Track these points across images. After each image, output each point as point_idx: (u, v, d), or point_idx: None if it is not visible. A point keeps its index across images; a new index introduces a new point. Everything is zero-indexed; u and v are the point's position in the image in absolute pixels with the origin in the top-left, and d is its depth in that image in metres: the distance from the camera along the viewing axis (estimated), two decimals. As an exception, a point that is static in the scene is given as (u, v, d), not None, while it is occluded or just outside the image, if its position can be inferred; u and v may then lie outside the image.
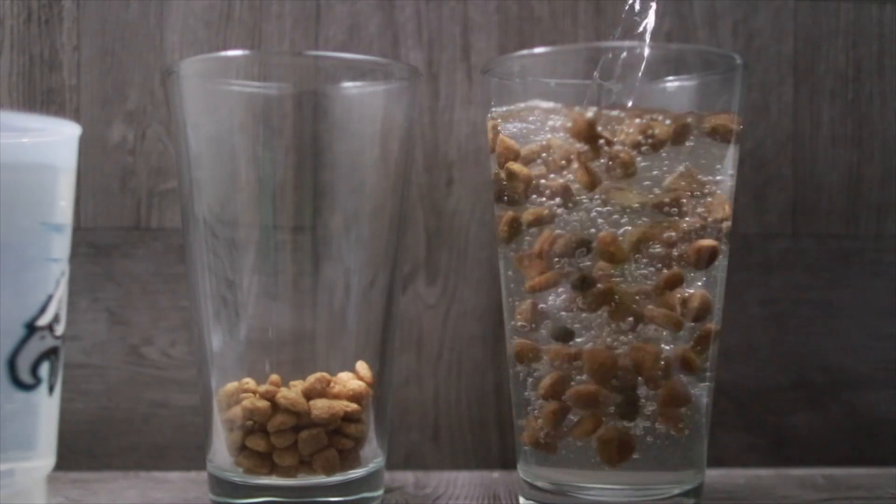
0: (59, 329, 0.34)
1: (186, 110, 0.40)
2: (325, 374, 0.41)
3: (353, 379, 0.41)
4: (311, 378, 0.40)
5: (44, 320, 0.33)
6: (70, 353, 0.52)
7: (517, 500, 0.43)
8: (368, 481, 0.42)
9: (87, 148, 0.52)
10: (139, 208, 0.53)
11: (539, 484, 0.41)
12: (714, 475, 0.50)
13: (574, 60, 0.41)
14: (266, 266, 0.41)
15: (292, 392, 0.40)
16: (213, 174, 0.41)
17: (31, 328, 0.32)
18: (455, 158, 0.54)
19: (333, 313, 0.41)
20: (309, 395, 0.40)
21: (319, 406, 0.39)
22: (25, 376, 0.33)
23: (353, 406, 0.40)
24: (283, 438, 0.39)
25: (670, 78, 0.40)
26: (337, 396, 0.40)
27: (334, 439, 0.40)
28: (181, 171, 0.41)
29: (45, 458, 0.35)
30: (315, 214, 0.41)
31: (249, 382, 0.40)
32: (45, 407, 0.34)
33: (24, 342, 0.32)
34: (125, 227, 0.53)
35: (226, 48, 0.53)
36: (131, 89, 0.53)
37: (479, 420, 0.54)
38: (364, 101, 0.42)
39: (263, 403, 0.39)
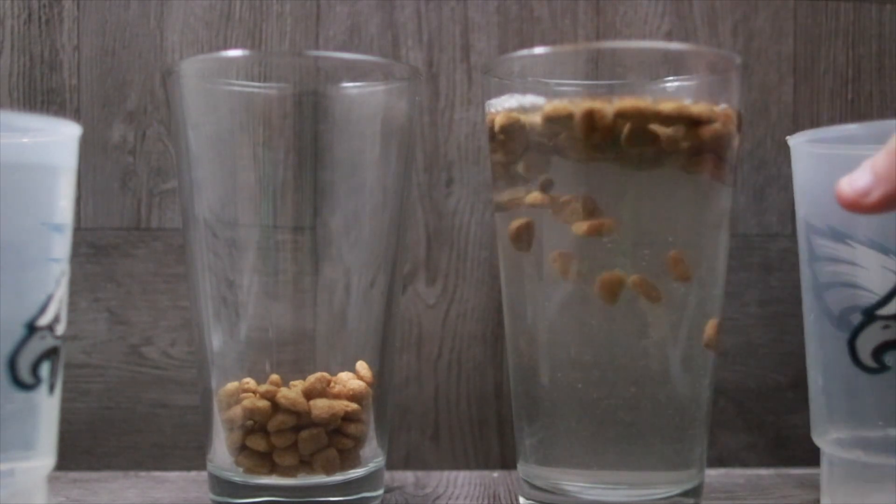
0: (60, 329, 0.34)
1: (186, 110, 0.40)
2: (326, 374, 0.41)
3: (353, 379, 0.41)
4: (312, 378, 0.40)
5: (44, 320, 0.33)
6: (70, 352, 0.52)
7: (517, 500, 0.43)
8: (368, 481, 0.42)
9: (87, 148, 0.52)
10: (139, 208, 0.53)
11: (539, 484, 0.41)
12: (714, 475, 0.50)
13: (574, 60, 0.41)
14: (266, 266, 0.41)
15: (292, 392, 0.40)
16: (213, 174, 0.41)
17: (31, 328, 0.33)
18: (455, 158, 0.54)
19: (333, 313, 0.41)
20: (309, 394, 0.40)
21: (319, 406, 0.39)
22: (26, 376, 0.33)
23: (354, 406, 0.40)
24: (283, 438, 0.39)
25: (670, 78, 0.40)
26: (337, 396, 0.40)
27: (334, 439, 0.40)
28: (181, 171, 0.41)
29: (45, 458, 0.35)
30: (315, 214, 0.41)
31: (249, 382, 0.40)
32: (46, 407, 0.34)
33: (24, 342, 0.32)
34: (125, 227, 0.53)
35: (226, 48, 0.53)
36: (131, 89, 0.53)
37: (479, 420, 0.54)
38: (364, 101, 0.42)
39: (263, 403, 0.39)
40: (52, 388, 0.34)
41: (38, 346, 0.33)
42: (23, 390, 0.33)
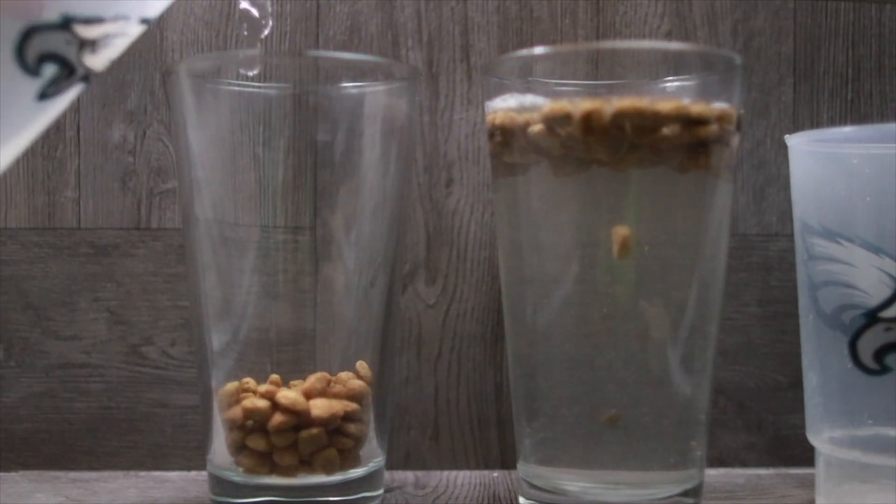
0: None
1: (186, 110, 0.41)
2: (326, 374, 0.41)
3: (353, 378, 0.41)
4: (312, 378, 0.40)
5: None
6: (70, 352, 0.52)
7: (517, 500, 0.43)
8: (368, 481, 0.42)
9: (87, 148, 0.52)
10: (139, 208, 0.53)
11: (539, 484, 0.41)
12: (714, 475, 0.50)
13: (574, 60, 0.41)
14: (266, 266, 0.41)
15: (292, 392, 0.40)
16: (213, 174, 0.41)
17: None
18: (455, 158, 0.54)
19: (333, 313, 0.41)
20: (309, 394, 0.40)
21: (319, 406, 0.39)
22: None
23: (354, 406, 0.40)
24: (283, 438, 0.39)
25: (670, 78, 0.40)
26: (337, 396, 0.40)
27: (334, 439, 0.40)
28: (181, 171, 0.41)
29: None
30: (315, 214, 0.41)
31: (249, 382, 0.40)
32: None
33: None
34: (125, 227, 0.53)
35: (226, 48, 0.53)
36: (131, 89, 0.53)
37: (479, 420, 0.54)
38: (364, 101, 0.42)
39: (263, 403, 0.39)
40: None
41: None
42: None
